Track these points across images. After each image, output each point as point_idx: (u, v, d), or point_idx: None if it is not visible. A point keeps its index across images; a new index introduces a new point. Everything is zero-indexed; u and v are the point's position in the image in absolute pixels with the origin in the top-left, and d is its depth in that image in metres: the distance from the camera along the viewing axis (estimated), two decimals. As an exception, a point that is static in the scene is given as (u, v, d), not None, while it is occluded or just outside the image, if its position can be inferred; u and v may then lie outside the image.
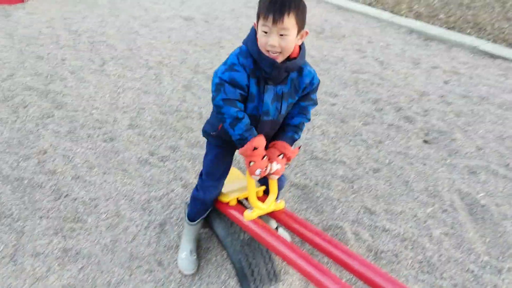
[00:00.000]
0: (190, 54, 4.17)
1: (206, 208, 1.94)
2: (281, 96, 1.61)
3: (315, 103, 1.73)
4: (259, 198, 1.87)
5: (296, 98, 1.67)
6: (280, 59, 1.52)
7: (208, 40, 4.51)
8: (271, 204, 1.83)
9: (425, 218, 2.32)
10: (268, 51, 1.49)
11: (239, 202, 1.94)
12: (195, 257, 2.04)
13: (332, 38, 4.69)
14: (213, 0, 5.81)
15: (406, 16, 5.38)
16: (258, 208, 1.80)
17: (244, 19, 5.13)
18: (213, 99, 1.58)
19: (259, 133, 1.64)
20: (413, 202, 2.43)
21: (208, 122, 1.83)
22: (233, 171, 2.11)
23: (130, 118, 3.12)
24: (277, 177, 1.72)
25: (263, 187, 1.93)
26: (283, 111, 1.65)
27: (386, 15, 5.37)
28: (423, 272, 2.02)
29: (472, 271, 2.02)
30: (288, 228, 1.82)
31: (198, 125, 3.07)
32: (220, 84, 1.55)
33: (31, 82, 3.54)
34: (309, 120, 1.74)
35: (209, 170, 1.87)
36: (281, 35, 1.46)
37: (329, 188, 2.51)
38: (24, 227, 2.19)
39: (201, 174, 1.91)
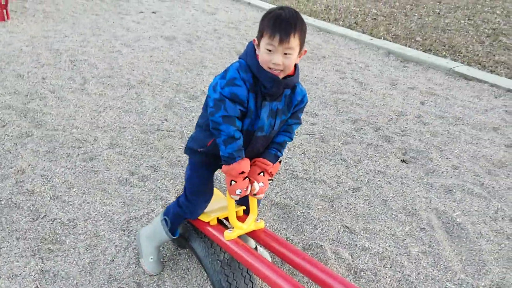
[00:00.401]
0: (172, 73, 4.20)
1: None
2: (276, 113, 1.64)
3: (299, 122, 1.78)
4: (239, 218, 1.88)
5: (289, 115, 1.71)
6: (281, 76, 1.56)
7: (190, 59, 4.55)
8: (251, 224, 1.84)
9: (403, 236, 2.36)
10: (271, 68, 1.53)
11: (219, 221, 1.95)
12: (160, 258, 2.10)
13: (313, 59, 4.79)
14: (195, 20, 5.89)
15: (384, 39, 5.53)
16: (238, 228, 1.81)
17: (226, 39, 5.20)
18: (212, 114, 1.57)
19: (251, 148, 1.67)
20: (392, 221, 2.47)
21: (193, 138, 1.80)
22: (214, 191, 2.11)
23: (110, 137, 3.11)
24: (262, 196, 1.73)
25: (243, 207, 1.94)
26: (276, 127, 1.68)
27: (364, 37, 5.51)
28: (401, 290, 2.04)
29: (449, 289, 2.06)
30: (268, 247, 1.83)
31: (179, 144, 3.07)
32: (220, 100, 1.54)
33: (10, 101, 3.50)
34: (292, 139, 1.78)
35: (196, 190, 1.86)
36: (285, 54, 1.50)
37: (309, 207, 2.53)
38: (0, 248, 2.14)
39: (185, 195, 1.88)
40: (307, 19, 6.13)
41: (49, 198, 2.50)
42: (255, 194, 1.71)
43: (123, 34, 5.16)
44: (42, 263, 2.09)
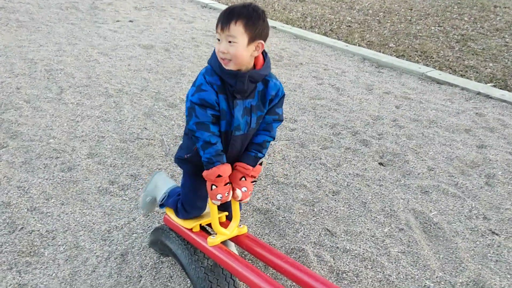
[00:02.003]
0: (150, 82, 4.18)
1: None
2: (250, 110, 1.66)
3: (280, 119, 1.77)
4: (221, 224, 1.89)
5: (265, 110, 1.71)
6: (230, 66, 1.57)
7: (168, 68, 4.54)
8: (234, 229, 1.85)
9: (383, 237, 2.41)
10: (222, 59, 1.57)
11: (202, 228, 1.95)
12: (154, 202, 2.17)
13: (290, 66, 4.85)
14: (173, 29, 5.88)
15: (359, 45, 5.65)
16: (221, 234, 1.82)
17: (204, 47, 5.22)
18: (187, 122, 1.63)
19: (231, 149, 1.68)
20: (371, 223, 2.51)
21: (180, 147, 1.84)
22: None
23: (89, 147, 3.07)
24: (247, 199, 1.75)
25: (226, 213, 1.95)
26: (253, 125, 1.69)
27: (340, 44, 5.62)
28: (382, 290, 2.08)
29: (428, 287, 2.11)
30: (251, 252, 1.85)
31: (159, 152, 3.06)
32: (191, 108, 1.60)
33: (-17, 112, 3.42)
34: (273, 138, 1.78)
35: (190, 198, 1.88)
36: (230, 42, 1.54)
37: (290, 212, 2.56)
38: (-25, 263, 2.09)
39: (181, 203, 1.91)
40: (283, 26, 6.21)
41: (26, 210, 2.45)
42: (240, 200, 1.72)
43: (100, 43, 5.11)
44: (19, 276, 2.04)
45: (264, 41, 1.60)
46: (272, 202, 2.64)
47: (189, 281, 2.03)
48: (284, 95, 1.75)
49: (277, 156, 3.12)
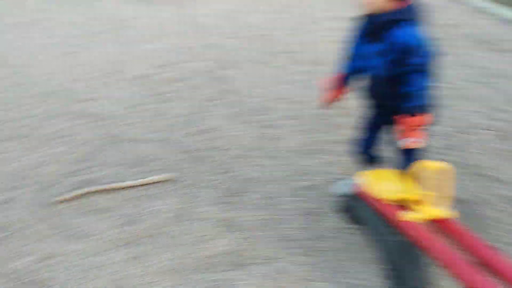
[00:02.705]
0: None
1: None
2: (377, 53, 1.82)
3: (418, 69, 1.74)
4: (423, 203, 1.81)
5: (392, 56, 1.78)
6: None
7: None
8: (435, 210, 1.77)
9: None
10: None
11: (400, 202, 1.90)
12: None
13: (499, 51, 4.33)
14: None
15: None
16: (421, 212, 1.76)
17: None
18: None
19: (369, 87, 2.00)
20: None
21: None
22: (395, 172, 2.08)
23: (291, 109, 3.32)
24: (420, 145, 1.86)
25: (430, 192, 1.85)
26: (383, 68, 1.83)
27: None
28: None
29: None
30: (454, 239, 1.74)
31: (352, 124, 3.11)
32: None
33: (203, 67, 3.99)
34: (416, 88, 1.75)
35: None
36: None
37: (486, 207, 2.36)
38: (190, 193, 2.48)
39: None
40: (495, 7, 5.50)
41: (234, 156, 2.80)
42: (410, 148, 1.89)
43: (309, 12, 5.36)
44: (224, 212, 2.35)
45: None
46: (469, 194, 2.46)
47: (373, 253, 2.04)
48: (411, 46, 1.72)
49: (480, 147, 2.87)
